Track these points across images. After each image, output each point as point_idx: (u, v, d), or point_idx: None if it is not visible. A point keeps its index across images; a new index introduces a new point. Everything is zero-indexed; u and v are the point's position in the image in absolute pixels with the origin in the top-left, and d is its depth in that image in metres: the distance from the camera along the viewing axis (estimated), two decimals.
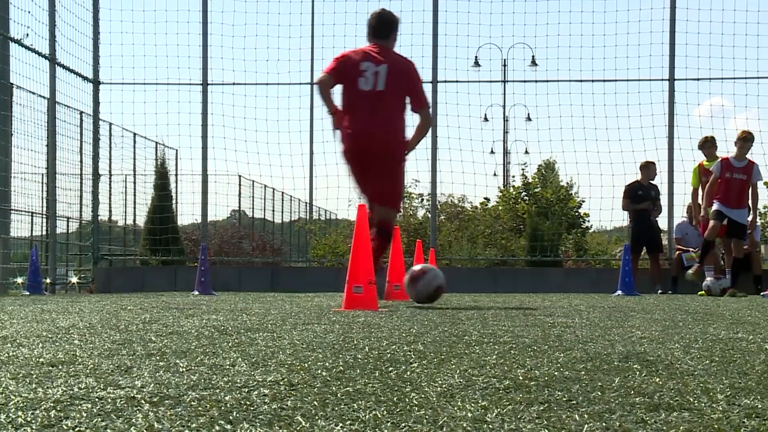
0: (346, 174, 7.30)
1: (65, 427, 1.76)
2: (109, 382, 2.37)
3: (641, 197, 13.37)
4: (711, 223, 11.43)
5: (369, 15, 7.50)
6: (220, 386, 2.30)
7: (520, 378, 2.49)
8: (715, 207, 11.43)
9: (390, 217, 7.47)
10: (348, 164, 7.33)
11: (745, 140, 11.55)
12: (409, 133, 7.45)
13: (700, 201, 12.39)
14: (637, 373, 2.63)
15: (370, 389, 2.27)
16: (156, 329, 4.27)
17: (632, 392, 2.25)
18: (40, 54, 13.04)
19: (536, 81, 15.09)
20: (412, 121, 7.52)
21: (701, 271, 11.73)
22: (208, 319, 5.09)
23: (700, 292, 11.76)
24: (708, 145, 12.60)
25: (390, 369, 2.68)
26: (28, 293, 11.51)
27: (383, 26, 7.44)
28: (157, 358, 2.96)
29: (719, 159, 11.74)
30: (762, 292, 11.96)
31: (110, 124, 16.84)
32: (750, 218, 11.96)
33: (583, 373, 2.62)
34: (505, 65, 24.15)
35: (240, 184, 22.79)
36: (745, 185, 11.51)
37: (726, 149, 12.60)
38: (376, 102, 7.14)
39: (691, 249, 13.45)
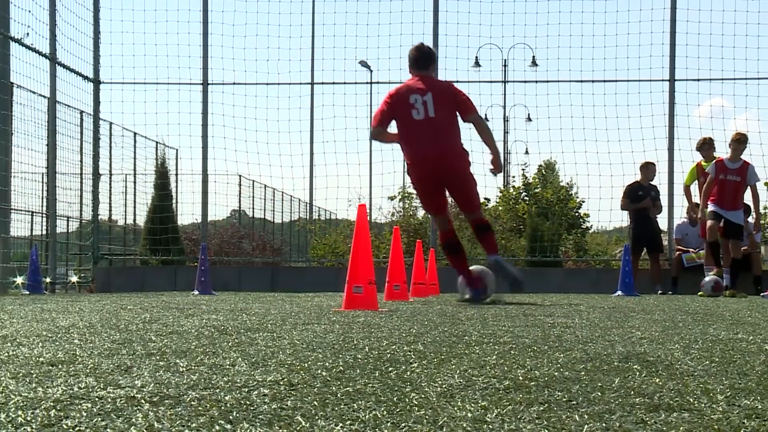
0: (416, 196, 8.00)
1: (65, 427, 1.76)
2: (109, 382, 2.37)
3: (641, 198, 13.37)
4: (708, 223, 11.45)
5: (410, 49, 8.09)
6: (220, 386, 2.30)
7: (520, 378, 2.49)
8: (710, 208, 11.45)
9: (479, 216, 8.20)
10: (419, 190, 8.07)
11: (739, 142, 11.56)
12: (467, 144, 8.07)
13: (695, 199, 12.44)
14: (637, 373, 2.63)
15: (370, 389, 2.27)
16: (156, 329, 4.27)
17: (632, 393, 2.25)
18: (40, 53, 13.04)
19: (536, 81, 15.10)
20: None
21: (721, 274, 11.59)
22: (208, 319, 5.10)
23: (700, 293, 11.76)
24: (706, 146, 12.60)
25: (390, 369, 2.68)
26: (28, 293, 11.51)
27: (423, 59, 7.99)
28: (157, 357, 2.96)
29: (714, 160, 11.76)
30: (762, 292, 11.96)
31: (110, 123, 16.85)
32: (753, 220, 11.96)
33: (583, 373, 2.62)
34: (505, 65, 24.16)
35: (240, 184, 22.81)
36: (739, 186, 11.52)
37: (726, 150, 12.60)
38: (431, 128, 7.68)
39: (691, 249, 13.45)
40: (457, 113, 7.82)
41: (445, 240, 8.10)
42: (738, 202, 11.57)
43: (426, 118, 7.65)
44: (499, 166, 8.11)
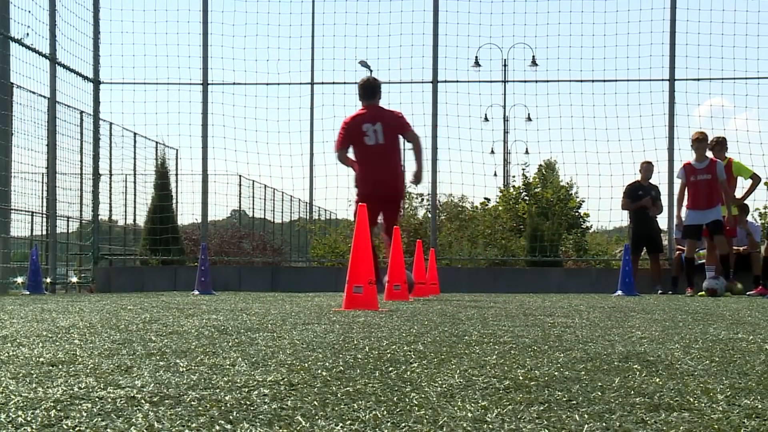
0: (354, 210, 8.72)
1: (65, 427, 1.76)
2: (109, 382, 2.37)
3: (641, 197, 13.37)
4: (687, 242, 11.76)
5: (359, 82, 9.37)
6: (220, 386, 2.30)
7: (520, 378, 2.49)
8: (687, 221, 11.63)
9: (393, 229, 8.99)
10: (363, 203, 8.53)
11: (699, 141, 11.73)
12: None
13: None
14: (637, 373, 2.63)
15: (370, 389, 2.27)
16: (156, 329, 4.27)
17: (632, 392, 2.25)
18: (40, 53, 13.04)
19: (536, 81, 15.10)
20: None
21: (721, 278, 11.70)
22: (208, 319, 5.10)
23: (700, 293, 11.77)
24: (718, 147, 12.58)
25: (390, 369, 2.68)
26: (28, 293, 11.51)
27: (371, 90, 9.25)
28: (157, 357, 2.96)
29: (682, 165, 11.91)
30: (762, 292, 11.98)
31: (110, 123, 16.85)
32: (726, 215, 11.93)
33: (583, 373, 2.62)
34: (505, 65, 24.14)
35: (240, 184, 22.81)
36: (711, 184, 11.63)
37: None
38: (381, 153, 9.04)
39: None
40: (400, 136, 9.17)
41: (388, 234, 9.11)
42: (714, 200, 11.65)
43: (376, 144, 9.02)
44: (419, 179, 9.37)
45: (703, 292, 11.63)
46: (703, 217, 11.56)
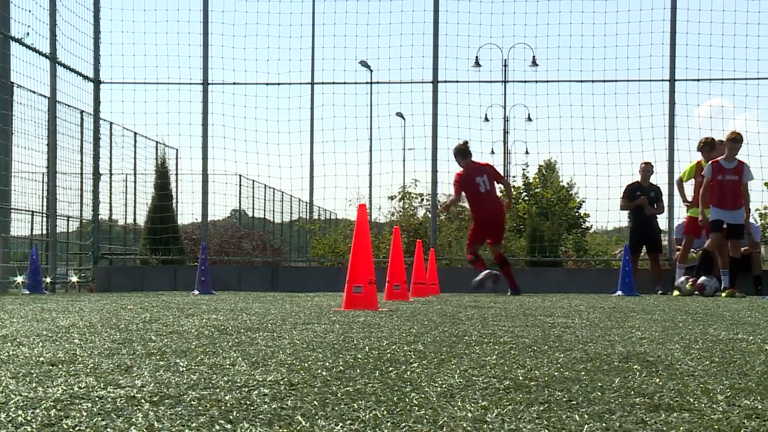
0: (470, 232, 12.35)
1: (65, 426, 1.76)
2: (109, 382, 2.37)
3: (640, 198, 13.36)
4: (711, 235, 11.50)
5: (456, 145, 12.28)
6: (220, 386, 2.30)
7: (520, 378, 2.49)
8: (712, 216, 11.46)
9: (501, 250, 12.34)
10: (480, 229, 12.00)
11: (735, 141, 11.59)
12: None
13: (687, 197, 12.47)
14: (637, 373, 2.63)
15: (370, 389, 2.27)
16: (156, 329, 4.27)
17: (632, 393, 2.25)
18: (40, 53, 13.03)
19: (536, 81, 15.09)
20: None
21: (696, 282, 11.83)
22: (208, 319, 5.10)
23: (675, 292, 11.93)
24: (707, 148, 12.58)
25: (390, 369, 2.68)
26: (28, 292, 11.51)
27: (468, 151, 12.17)
28: (157, 357, 2.96)
29: (710, 162, 11.75)
30: (763, 292, 11.98)
31: (111, 123, 16.84)
32: (752, 220, 11.98)
33: (583, 373, 2.62)
34: (505, 65, 24.12)
35: (240, 184, 22.80)
36: (738, 185, 11.54)
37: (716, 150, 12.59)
38: (489, 196, 12.05)
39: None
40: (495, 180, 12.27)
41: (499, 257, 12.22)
42: (739, 201, 11.58)
43: (486, 190, 11.99)
44: (509, 208, 13.01)
45: (678, 292, 11.82)
46: (730, 217, 11.50)
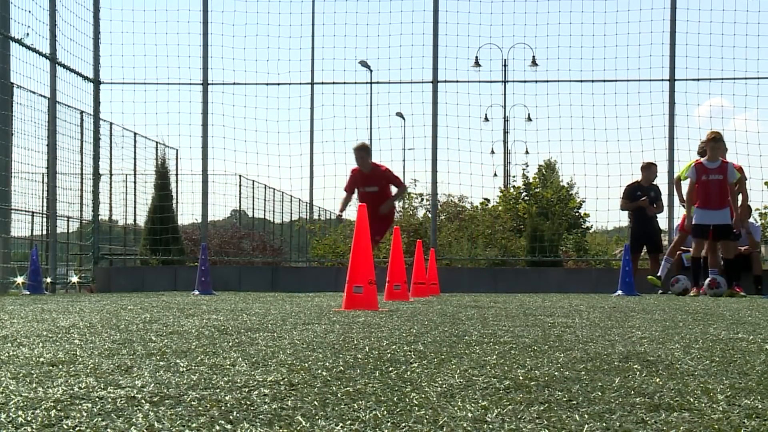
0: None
1: (65, 427, 1.76)
2: (109, 382, 2.37)
3: (640, 198, 13.36)
4: (694, 241, 11.66)
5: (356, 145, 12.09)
6: (221, 386, 2.30)
7: (520, 378, 2.49)
8: (696, 219, 11.52)
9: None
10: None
11: (716, 141, 11.64)
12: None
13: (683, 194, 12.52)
14: (637, 373, 2.63)
15: (370, 389, 2.27)
16: (156, 329, 4.27)
17: (632, 392, 2.25)
18: (40, 53, 13.03)
19: (536, 81, 15.08)
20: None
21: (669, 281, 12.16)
22: (208, 319, 5.10)
23: (649, 277, 12.20)
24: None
25: (390, 369, 2.68)
26: (28, 293, 11.51)
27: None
28: (158, 357, 2.96)
29: (693, 164, 11.81)
30: (763, 292, 11.98)
31: (111, 123, 16.83)
32: (734, 218, 11.94)
33: (583, 373, 2.62)
34: (505, 65, 24.13)
35: (240, 184, 22.80)
36: (723, 185, 11.57)
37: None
38: (370, 198, 11.48)
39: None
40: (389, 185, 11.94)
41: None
42: (724, 201, 11.61)
43: (371, 192, 11.72)
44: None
45: (653, 277, 12.18)
46: (713, 218, 11.52)
